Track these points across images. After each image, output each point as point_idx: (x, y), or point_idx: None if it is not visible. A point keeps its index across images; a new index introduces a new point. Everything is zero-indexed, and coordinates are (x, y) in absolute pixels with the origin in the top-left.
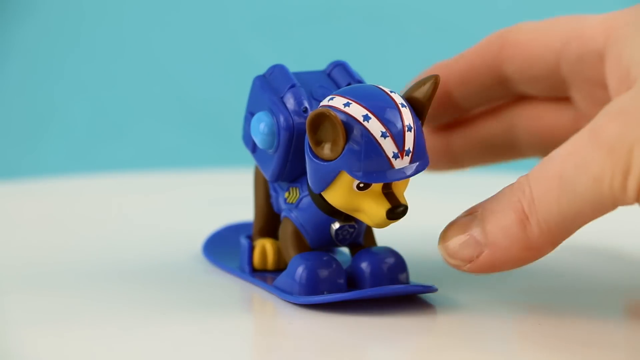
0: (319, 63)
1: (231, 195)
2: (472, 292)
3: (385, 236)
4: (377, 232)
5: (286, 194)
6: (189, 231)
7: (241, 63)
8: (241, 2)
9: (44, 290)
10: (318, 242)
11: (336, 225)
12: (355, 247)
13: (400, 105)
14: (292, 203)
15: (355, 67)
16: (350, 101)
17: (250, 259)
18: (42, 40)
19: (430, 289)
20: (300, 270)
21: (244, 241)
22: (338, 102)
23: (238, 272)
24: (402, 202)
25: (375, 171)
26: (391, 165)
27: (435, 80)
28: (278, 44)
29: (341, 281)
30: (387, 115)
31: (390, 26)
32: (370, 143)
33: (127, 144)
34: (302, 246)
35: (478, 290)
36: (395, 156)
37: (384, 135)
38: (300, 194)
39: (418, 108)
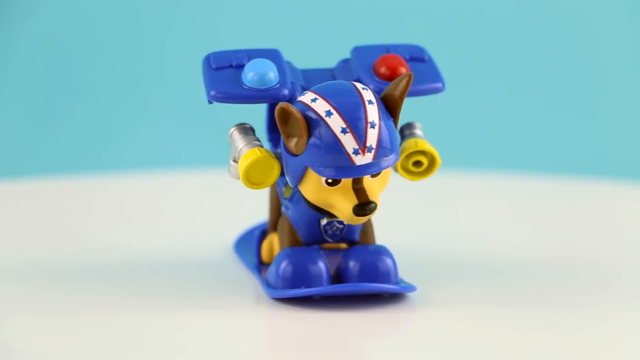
0: (319, 63)
1: (232, 196)
2: (458, 291)
3: (392, 234)
4: (379, 230)
5: (284, 189)
6: (190, 231)
7: None
8: (241, 2)
9: (42, 283)
10: (309, 238)
11: (324, 221)
12: (352, 244)
13: (367, 102)
14: (287, 198)
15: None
16: (317, 97)
17: (258, 252)
18: (43, 40)
19: (407, 289)
20: (283, 265)
21: (255, 235)
22: (307, 97)
23: (251, 265)
24: (371, 198)
25: (336, 166)
26: (351, 161)
27: (408, 77)
28: (278, 44)
29: (324, 276)
30: (350, 111)
31: (391, 26)
32: (331, 138)
33: (127, 144)
34: (293, 241)
35: (460, 290)
36: (356, 152)
37: (344, 131)
38: (294, 189)
39: (392, 104)
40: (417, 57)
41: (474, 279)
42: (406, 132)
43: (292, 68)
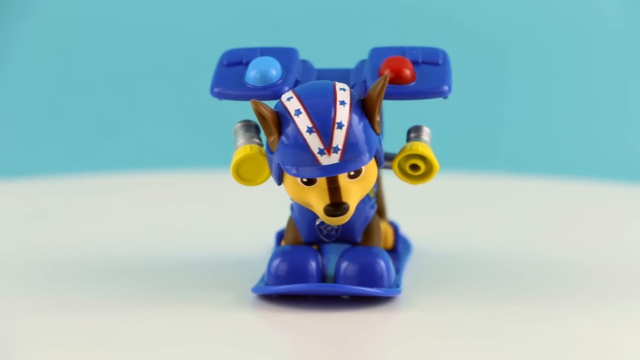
0: (318, 63)
1: (231, 196)
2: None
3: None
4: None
5: None
6: (189, 230)
7: None
8: (241, 2)
9: (42, 283)
10: (309, 237)
11: (318, 221)
12: (354, 245)
13: (338, 102)
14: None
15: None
16: (293, 96)
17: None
18: (43, 40)
19: (389, 293)
20: (274, 262)
21: (276, 234)
22: (285, 96)
23: None
24: (344, 199)
25: (302, 166)
26: (317, 161)
27: (385, 78)
28: (278, 43)
29: (313, 275)
30: (318, 111)
31: (391, 26)
32: (297, 137)
33: (127, 144)
34: (294, 240)
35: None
36: (321, 152)
37: (309, 131)
38: (278, 186)
39: (369, 106)
40: (431, 61)
41: (466, 280)
42: (411, 135)
43: (307, 67)
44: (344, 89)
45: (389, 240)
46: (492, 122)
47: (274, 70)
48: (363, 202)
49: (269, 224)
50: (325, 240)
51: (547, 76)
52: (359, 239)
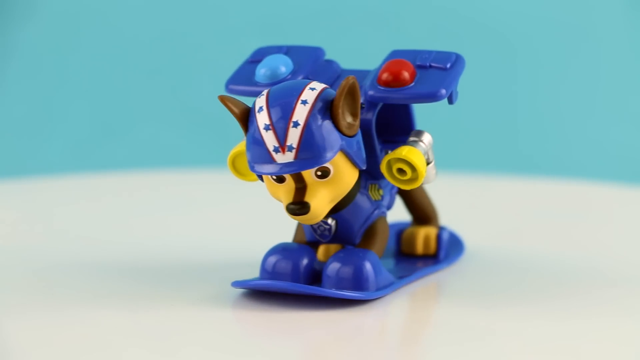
0: (348, 64)
1: (231, 196)
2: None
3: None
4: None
5: None
6: (190, 230)
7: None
8: (242, 2)
9: (42, 283)
10: (310, 236)
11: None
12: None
13: (299, 102)
14: None
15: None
16: (264, 93)
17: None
18: (44, 40)
19: (361, 297)
20: (266, 258)
21: None
22: (261, 93)
23: None
24: (307, 199)
25: (259, 162)
26: (272, 159)
27: (347, 80)
28: (278, 43)
29: (296, 273)
30: (277, 108)
31: (391, 26)
32: (256, 134)
33: (127, 144)
34: (299, 238)
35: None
36: (276, 150)
37: (266, 128)
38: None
39: (334, 106)
40: (439, 65)
41: (460, 281)
42: (410, 138)
43: (328, 66)
44: (314, 89)
45: (431, 246)
46: (489, 123)
47: (283, 67)
48: (362, 205)
49: (269, 224)
50: (321, 239)
51: (550, 76)
52: (357, 241)
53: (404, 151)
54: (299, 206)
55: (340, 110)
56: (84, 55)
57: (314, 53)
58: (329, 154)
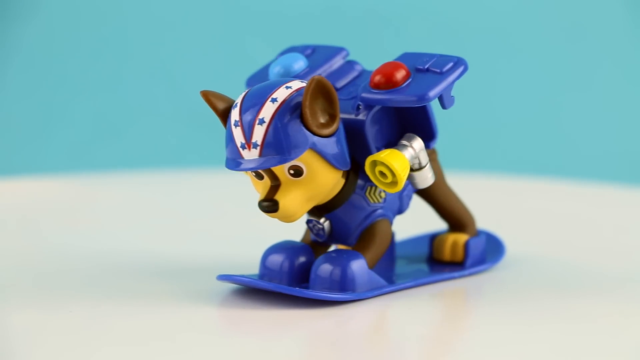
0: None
1: (232, 196)
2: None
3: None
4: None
5: None
6: (190, 230)
7: (242, 63)
8: (242, 2)
9: (42, 282)
10: (313, 236)
11: (305, 217)
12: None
13: (270, 100)
14: None
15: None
16: (246, 91)
17: None
18: (44, 40)
19: (344, 298)
20: (266, 254)
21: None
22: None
23: None
24: (277, 197)
25: (230, 158)
26: (240, 155)
27: (311, 80)
28: (279, 43)
29: (285, 272)
30: (246, 105)
31: (391, 26)
32: (228, 130)
33: (127, 144)
34: (305, 239)
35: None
36: (243, 146)
37: (235, 124)
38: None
39: (302, 105)
40: (436, 69)
41: (455, 280)
42: (400, 142)
43: (347, 67)
44: (289, 87)
45: (458, 253)
46: (494, 123)
47: (296, 65)
48: (357, 206)
49: (269, 223)
50: (318, 239)
51: (554, 76)
52: (352, 243)
53: (384, 154)
54: (268, 203)
55: (307, 110)
56: (84, 55)
57: (333, 53)
58: (294, 153)
